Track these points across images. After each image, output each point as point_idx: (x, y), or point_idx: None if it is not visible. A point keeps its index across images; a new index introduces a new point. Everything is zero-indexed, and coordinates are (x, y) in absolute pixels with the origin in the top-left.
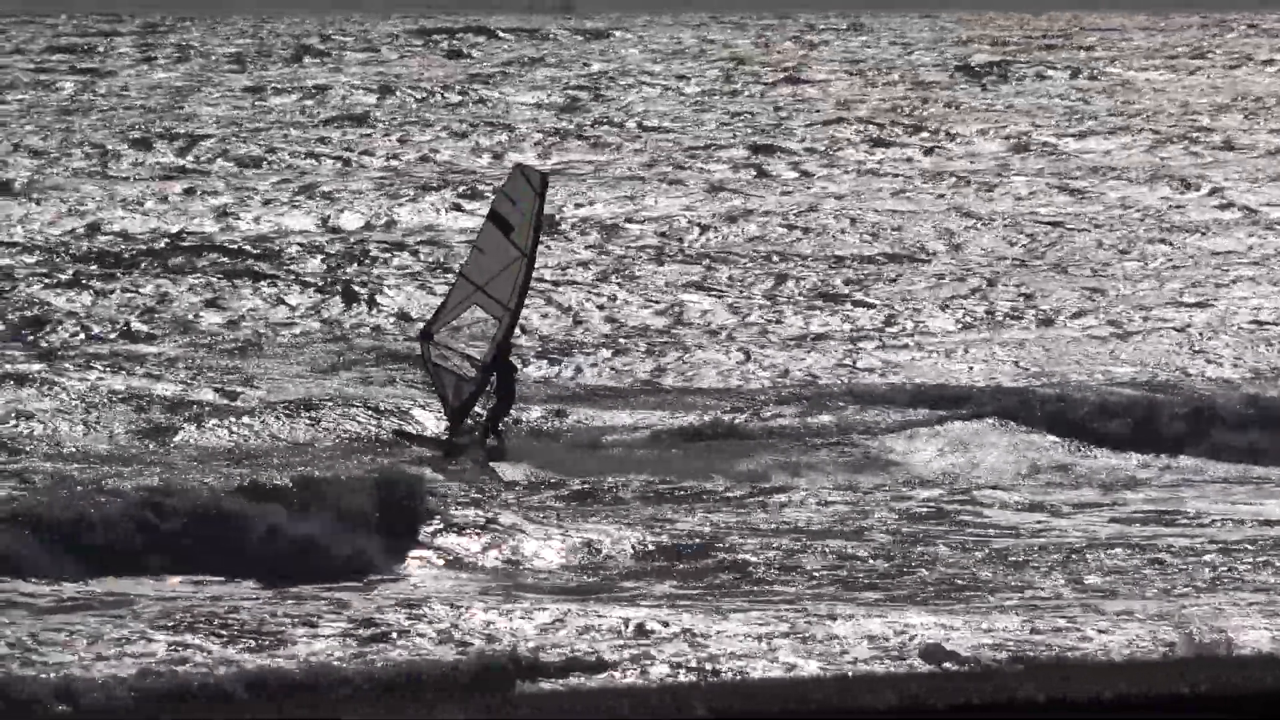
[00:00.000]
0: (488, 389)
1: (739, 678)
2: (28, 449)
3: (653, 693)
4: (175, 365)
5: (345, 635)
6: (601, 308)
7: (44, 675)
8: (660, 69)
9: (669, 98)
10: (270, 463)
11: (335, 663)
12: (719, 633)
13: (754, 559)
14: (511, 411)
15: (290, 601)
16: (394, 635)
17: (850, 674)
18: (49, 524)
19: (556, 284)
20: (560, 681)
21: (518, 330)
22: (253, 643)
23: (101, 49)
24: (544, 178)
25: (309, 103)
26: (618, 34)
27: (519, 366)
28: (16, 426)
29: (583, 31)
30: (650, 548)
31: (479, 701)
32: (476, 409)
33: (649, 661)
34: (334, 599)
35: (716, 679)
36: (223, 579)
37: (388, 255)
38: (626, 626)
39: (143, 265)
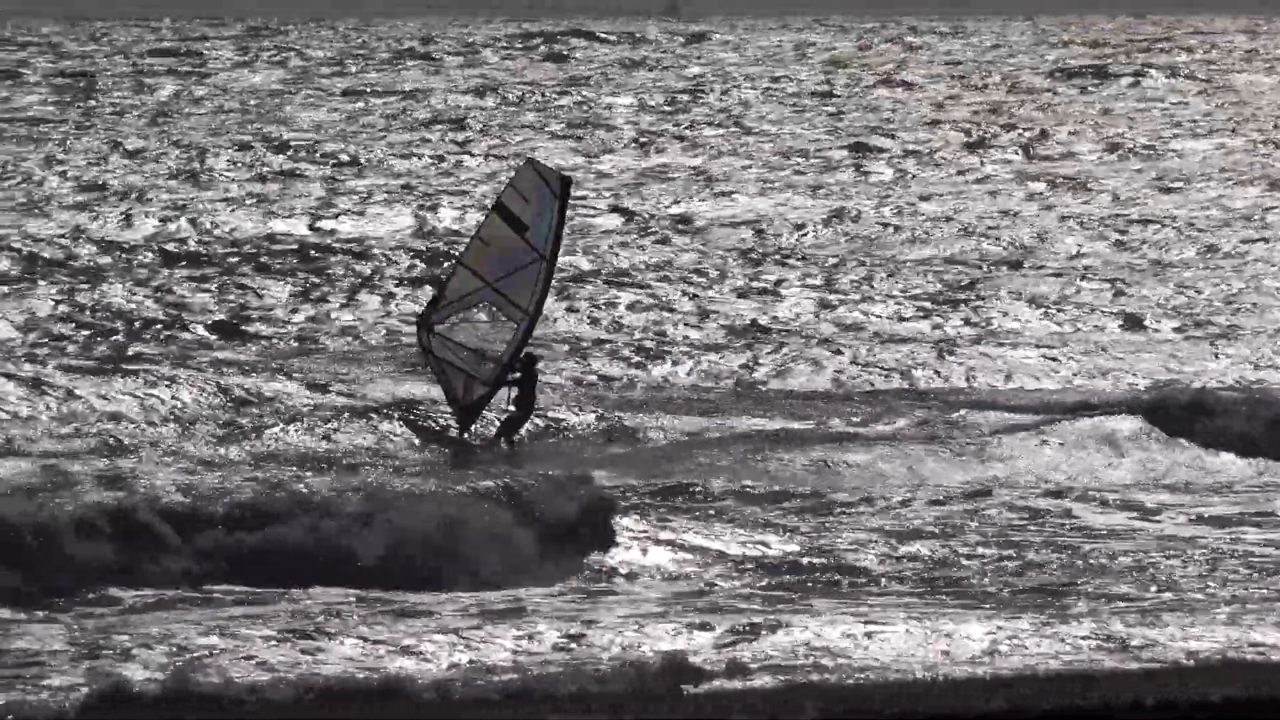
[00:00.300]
0: (506, 394)
1: (848, 680)
2: (127, 450)
3: (764, 695)
4: (267, 364)
5: (528, 641)
6: (702, 308)
7: (206, 679)
8: (759, 71)
9: (768, 99)
10: (376, 466)
11: (543, 669)
12: (828, 635)
13: (862, 561)
14: (530, 420)
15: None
16: (564, 644)
17: (961, 677)
18: (162, 528)
19: (651, 283)
20: (676, 685)
21: (549, 337)
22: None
23: (202, 51)
24: (565, 181)
25: (408, 104)
26: (718, 36)
27: (539, 375)
28: (114, 426)
29: (683, 34)
30: (758, 551)
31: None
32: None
33: (759, 664)
34: (484, 607)
35: (825, 681)
36: (354, 585)
37: None
38: (738, 630)
39: (237, 265)
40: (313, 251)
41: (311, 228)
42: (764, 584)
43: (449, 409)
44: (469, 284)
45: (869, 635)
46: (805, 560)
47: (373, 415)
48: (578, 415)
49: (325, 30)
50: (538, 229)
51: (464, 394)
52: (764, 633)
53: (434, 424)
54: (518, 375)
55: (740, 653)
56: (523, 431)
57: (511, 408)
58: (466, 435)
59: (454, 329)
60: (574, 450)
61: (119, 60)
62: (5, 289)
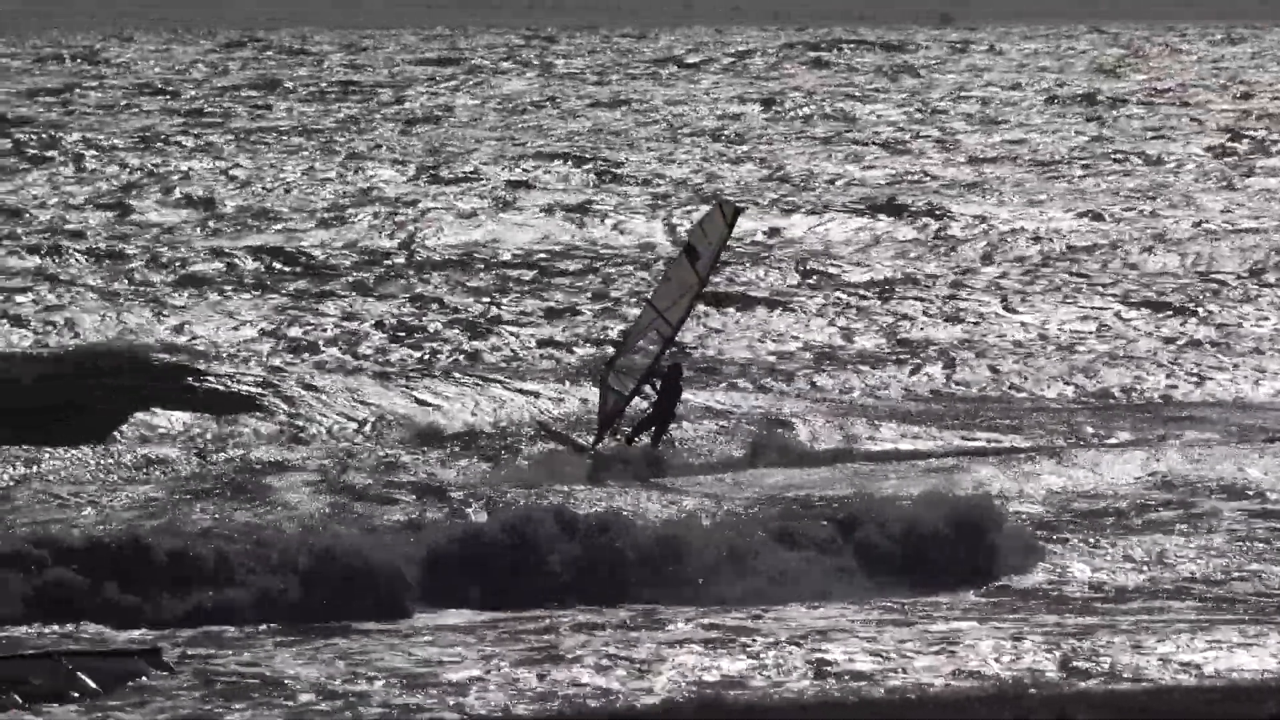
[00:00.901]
0: (645, 401)
1: (1117, 686)
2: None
3: (1036, 701)
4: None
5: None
6: (951, 315)
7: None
8: (1026, 78)
9: (1034, 106)
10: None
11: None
12: (1093, 644)
13: (1127, 575)
14: (669, 431)
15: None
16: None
17: (1233, 683)
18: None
19: (902, 298)
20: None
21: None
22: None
23: (468, 58)
24: (736, 210)
25: (672, 111)
26: (986, 43)
27: (683, 387)
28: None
29: (950, 42)
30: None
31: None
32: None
33: (1029, 672)
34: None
35: (1095, 688)
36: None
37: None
38: (1009, 641)
39: (480, 273)
40: (568, 260)
41: (540, 237)
42: (1038, 595)
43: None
44: (648, 318)
45: (1143, 646)
46: (1073, 571)
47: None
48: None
49: (588, 38)
50: (705, 258)
51: (614, 406)
52: (1032, 645)
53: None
54: (659, 383)
55: (1014, 657)
56: (665, 438)
57: (648, 413)
58: (597, 446)
59: (627, 361)
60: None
61: (382, 71)
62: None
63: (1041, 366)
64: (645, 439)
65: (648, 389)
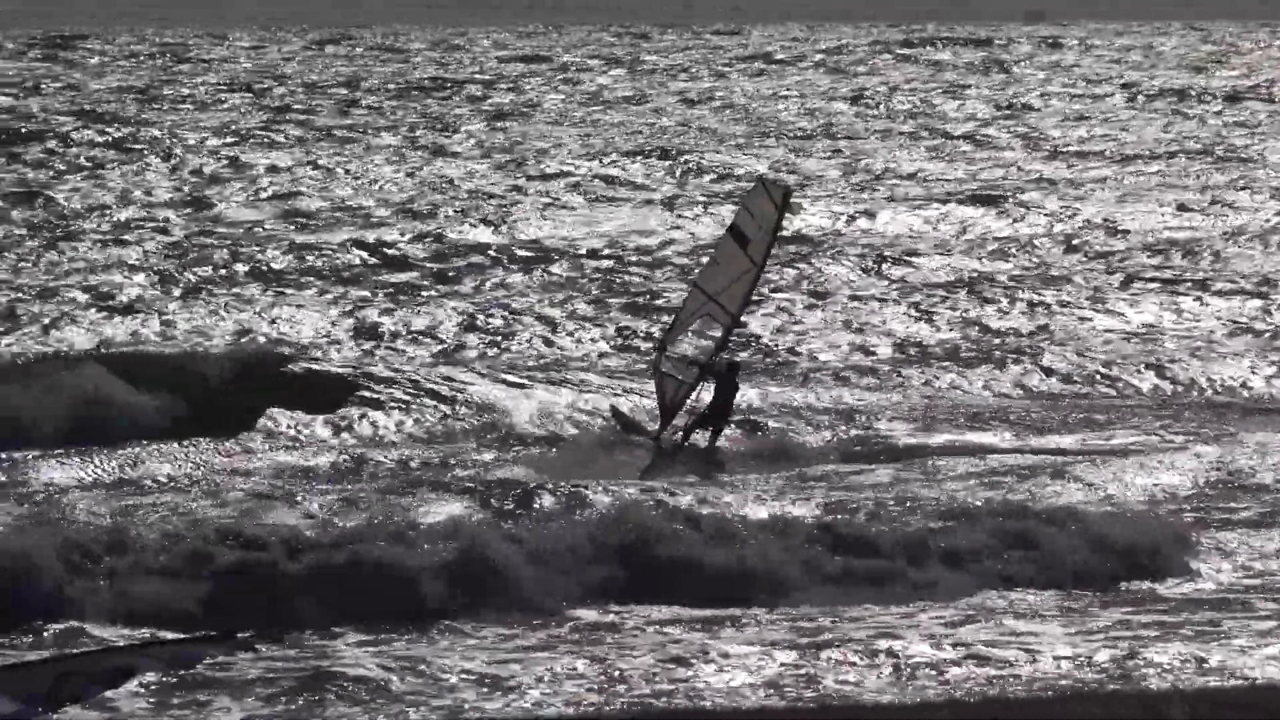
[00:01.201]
0: (701, 394)
1: (1216, 684)
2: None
3: (1131, 698)
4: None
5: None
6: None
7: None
8: (1115, 74)
9: (1122, 101)
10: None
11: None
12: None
13: (1226, 577)
14: (725, 429)
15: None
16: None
17: None
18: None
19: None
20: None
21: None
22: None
23: (558, 55)
24: (786, 191)
25: (759, 106)
26: (1075, 41)
27: (739, 384)
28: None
29: (1041, 37)
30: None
31: None
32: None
33: (1128, 670)
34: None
35: (1194, 686)
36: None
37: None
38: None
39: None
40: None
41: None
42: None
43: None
44: (697, 302)
45: (1236, 646)
46: (1172, 575)
47: None
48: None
49: (679, 35)
50: (757, 241)
51: (670, 397)
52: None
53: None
54: (716, 377)
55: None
56: (721, 438)
57: (706, 407)
58: (660, 438)
59: (681, 344)
60: None
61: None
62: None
63: (1130, 360)
64: (701, 437)
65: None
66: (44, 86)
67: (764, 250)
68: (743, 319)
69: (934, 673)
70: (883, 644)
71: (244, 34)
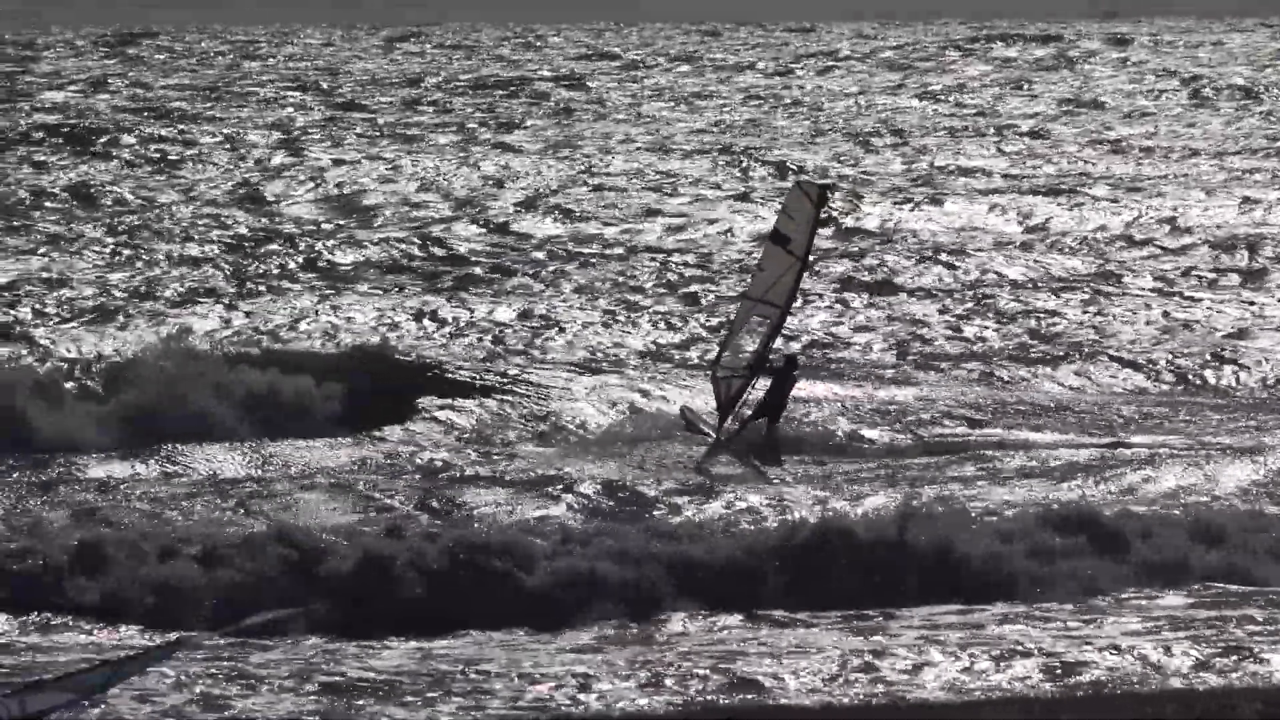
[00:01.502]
0: (754, 388)
1: None
2: None
3: (1200, 696)
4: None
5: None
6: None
7: None
8: (1185, 70)
9: (1183, 100)
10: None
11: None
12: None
13: None
14: (782, 418)
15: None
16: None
17: None
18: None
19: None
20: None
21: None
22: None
23: (626, 52)
24: (822, 190)
25: (827, 103)
26: (1146, 37)
27: (796, 378)
28: None
29: (1108, 35)
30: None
31: None
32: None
33: (1198, 667)
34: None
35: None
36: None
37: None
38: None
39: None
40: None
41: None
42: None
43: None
44: (747, 310)
45: None
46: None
47: None
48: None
49: (750, 33)
50: (798, 239)
51: (725, 393)
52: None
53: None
54: (773, 370)
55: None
56: (778, 429)
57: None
58: (720, 434)
59: (730, 357)
60: None
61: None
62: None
63: (1197, 356)
64: (758, 427)
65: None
66: (111, 84)
67: (805, 243)
68: (792, 309)
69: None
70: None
71: (314, 30)
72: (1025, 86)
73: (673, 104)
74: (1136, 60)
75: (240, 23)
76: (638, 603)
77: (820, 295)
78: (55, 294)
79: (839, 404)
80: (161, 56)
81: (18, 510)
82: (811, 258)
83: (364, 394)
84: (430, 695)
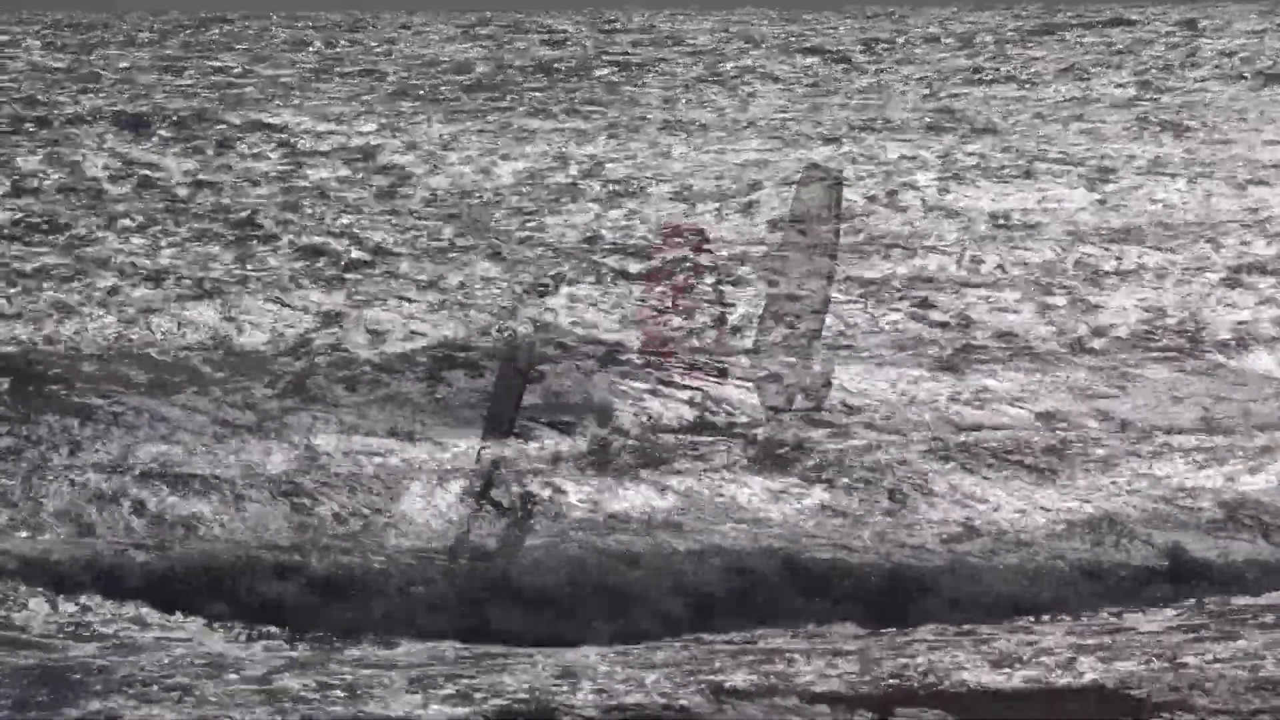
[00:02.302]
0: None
1: None
2: None
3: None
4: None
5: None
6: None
7: None
8: (1251, 54)
9: (1246, 85)
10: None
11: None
12: None
13: None
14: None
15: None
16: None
17: None
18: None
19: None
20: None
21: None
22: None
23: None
24: (836, 178)
25: (890, 90)
26: (1219, 19)
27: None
28: None
29: (1177, 21)
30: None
31: None
32: None
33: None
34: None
35: None
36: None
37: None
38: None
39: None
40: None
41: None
42: None
43: None
44: (776, 303)
45: None
46: None
47: None
48: None
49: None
50: (815, 230)
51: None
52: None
53: None
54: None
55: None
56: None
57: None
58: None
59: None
60: None
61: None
62: None
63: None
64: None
65: None
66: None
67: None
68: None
69: None
70: None
71: (389, 15)
72: (1097, 70)
73: (738, 84)
74: (1202, 44)
75: (386, 4)
76: None
77: (862, 285)
78: None
79: (881, 393)
80: (241, 45)
81: None
82: None
83: None
84: None
